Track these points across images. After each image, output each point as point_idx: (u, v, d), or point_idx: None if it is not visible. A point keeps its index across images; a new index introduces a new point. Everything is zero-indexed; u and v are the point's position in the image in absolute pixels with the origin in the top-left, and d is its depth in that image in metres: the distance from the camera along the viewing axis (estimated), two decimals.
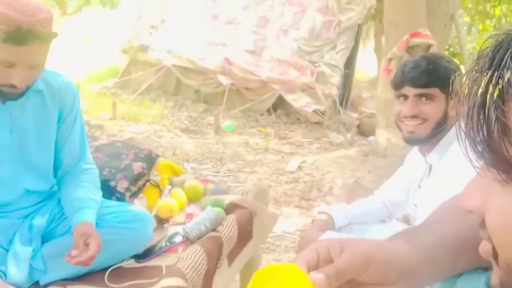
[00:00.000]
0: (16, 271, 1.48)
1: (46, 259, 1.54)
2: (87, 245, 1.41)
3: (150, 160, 2.09)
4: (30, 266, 1.51)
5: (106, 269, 1.60)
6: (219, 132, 5.22)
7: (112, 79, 7.29)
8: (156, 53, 6.91)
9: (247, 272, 2.16)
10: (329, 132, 5.85)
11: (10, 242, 1.55)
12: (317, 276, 0.52)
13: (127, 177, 1.94)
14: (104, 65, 8.58)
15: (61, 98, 1.61)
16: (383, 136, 4.45)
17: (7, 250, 1.53)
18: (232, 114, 6.06)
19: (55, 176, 1.73)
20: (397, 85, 1.49)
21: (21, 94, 1.45)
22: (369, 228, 1.79)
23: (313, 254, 0.56)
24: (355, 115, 6.81)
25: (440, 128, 1.46)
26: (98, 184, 1.71)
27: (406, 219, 1.87)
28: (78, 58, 9.03)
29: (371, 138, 5.45)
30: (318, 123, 6.11)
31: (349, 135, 5.53)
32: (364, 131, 5.93)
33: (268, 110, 6.38)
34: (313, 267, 0.55)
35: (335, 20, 6.93)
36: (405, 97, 1.48)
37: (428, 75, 1.42)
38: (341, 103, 6.86)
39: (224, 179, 3.85)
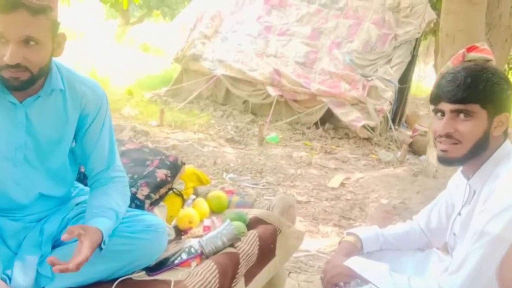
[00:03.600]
0: (22, 276, 1.43)
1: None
2: (81, 245, 1.32)
3: (176, 167, 2.02)
4: (37, 272, 1.46)
5: (115, 280, 1.52)
6: (263, 143, 5.13)
7: (164, 87, 7.40)
8: (208, 63, 6.95)
9: None
10: (378, 149, 5.61)
11: (20, 246, 1.51)
12: None
13: (148, 184, 1.87)
14: (159, 73, 8.76)
15: (85, 103, 1.55)
16: (435, 156, 4.18)
17: (15, 254, 1.49)
18: (278, 126, 5.96)
19: (85, 183, 1.68)
20: (433, 99, 1.32)
21: (26, 84, 1.37)
22: (402, 256, 1.62)
23: None
24: (409, 132, 6.51)
25: (479, 150, 1.28)
26: (127, 192, 1.64)
27: (447, 248, 1.68)
28: (136, 65, 9.27)
29: (423, 157, 5.16)
30: (367, 139, 5.88)
31: (399, 153, 5.27)
32: (416, 150, 5.64)
33: (316, 124, 6.22)
34: None
35: (391, 33, 6.70)
36: (442, 113, 1.31)
37: (466, 89, 1.24)
38: (393, 120, 6.60)
39: (262, 192, 3.74)
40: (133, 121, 5.47)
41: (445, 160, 1.32)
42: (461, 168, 1.43)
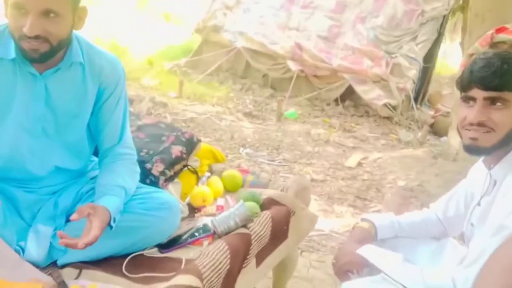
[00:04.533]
0: (35, 248, 1.45)
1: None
2: (90, 224, 1.33)
3: (191, 144, 2.00)
4: (50, 244, 1.48)
5: (127, 255, 1.53)
6: (281, 119, 5.08)
7: (184, 58, 7.35)
8: (228, 35, 6.87)
9: (280, 272, 2.03)
10: (398, 128, 5.52)
11: (34, 218, 1.53)
12: None
13: (163, 160, 1.86)
14: (180, 44, 8.70)
15: (104, 77, 1.54)
16: (456, 138, 4.08)
17: (30, 226, 1.51)
18: (297, 101, 5.89)
19: (96, 155, 1.69)
20: (464, 86, 1.25)
21: (44, 56, 1.36)
22: (417, 245, 1.59)
23: None
24: (431, 112, 6.38)
25: (510, 140, 1.22)
26: (135, 169, 1.63)
27: (463, 238, 1.64)
28: (156, 34, 9.21)
29: (444, 139, 5.07)
30: (388, 118, 5.78)
31: (420, 134, 5.17)
32: (438, 130, 5.53)
33: (336, 100, 6.13)
34: None
35: (418, 9, 6.49)
36: (473, 100, 1.24)
37: (502, 75, 1.18)
38: (416, 99, 6.46)
39: (278, 168, 3.72)
40: (152, 92, 5.47)
41: (474, 149, 1.27)
42: (483, 157, 1.38)
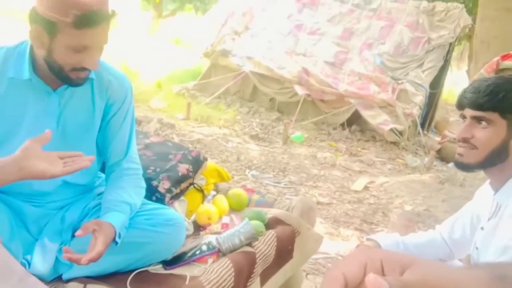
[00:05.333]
0: (41, 262, 1.46)
1: None
2: (95, 240, 1.33)
3: (198, 163, 2.02)
4: (56, 259, 1.48)
5: (132, 271, 1.54)
6: (288, 142, 5.10)
7: (193, 81, 7.44)
8: (237, 59, 6.95)
9: None
10: (405, 153, 5.51)
11: (41, 232, 1.54)
12: (380, 280, 0.44)
13: (170, 178, 1.88)
14: (188, 67, 8.81)
15: (111, 92, 1.57)
16: None
17: (36, 239, 1.52)
18: (304, 125, 5.91)
19: (102, 171, 1.71)
20: (457, 105, 1.34)
21: (85, 80, 1.43)
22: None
23: (355, 268, 0.47)
24: (438, 138, 6.37)
25: (496, 159, 1.26)
26: (141, 184, 1.65)
27: (469, 260, 1.63)
28: (166, 58, 9.34)
29: (451, 164, 5.04)
30: (394, 143, 5.78)
31: (426, 159, 5.16)
32: (445, 156, 5.51)
33: (342, 125, 6.15)
34: (352, 283, 0.46)
35: (424, 37, 6.56)
36: (465, 118, 1.32)
37: (485, 96, 1.25)
38: (422, 125, 6.47)
39: (284, 191, 3.71)
40: (160, 113, 5.52)
41: (459, 164, 1.34)
42: (489, 180, 1.39)
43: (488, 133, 1.25)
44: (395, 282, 0.44)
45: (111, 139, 1.61)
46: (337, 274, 0.46)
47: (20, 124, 1.45)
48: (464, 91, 1.32)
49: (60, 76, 1.39)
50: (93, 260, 1.30)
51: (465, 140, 1.29)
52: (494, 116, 1.24)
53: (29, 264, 1.45)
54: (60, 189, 1.59)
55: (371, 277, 0.44)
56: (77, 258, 1.30)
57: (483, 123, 1.26)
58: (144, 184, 1.66)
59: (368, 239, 1.61)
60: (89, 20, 1.28)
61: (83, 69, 1.37)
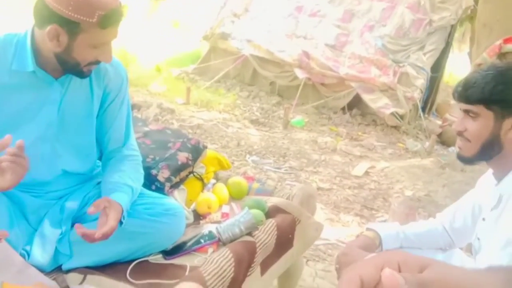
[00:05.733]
0: (41, 253, 1.46)
1: (73, 244, 1.50)
2: (105, 217, 1.36)
3: (197, 151, 2.01)
4: (56, 249, 1.48)
5: (132, 261, 1.54)
6: (288, 127, 5.07)
7: (192, 65, 7.38)
8: (236, 42, 6.88)
9: (285, 281, 2.01)
10: (406, 138, 5.49)
11: (40, 222, 1.53)
12: (397, 276, 0.44)
13: (169, 167, 1.87)
14: (187, 51, 8.73)
15: (108, 80, 1.58)
16: None
17: (36, 230, 1.51)
18: (304, 109, 5.88)
19: (100, 159, 1.70)
20: (453, 98, 1.34)
21: (91, 72, 1.46)
22: (423, 255, 1.57)
23: (372, 270, 0.47)
24: (439, 122, 6.35)
25: (489, 151, 1.27)
26: (140, 170, 1.66)
27: (470, 249, 1.63)
28: (165, 41, 9.26)
29: (452, 149, 5.03)
30: (395, 127, 5.75)
31: (427, 143, 5.14)
32: (445, 140, 5.49)
33: (343, 109, 6.11)
34: (368, 284, 0.46)
35: (426, 19, 6.47)
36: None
37: (468, 89, 1.25)
38: (423, 108, 6.43)
39: (284, 176, 3.71)
40: (160, 98, 5.48)
41: (460, 158, 1.36)
42: (491, 170, 1.38)
43: (477, 126, 1.25)
44: (411, 278, 0.44)
45: (108, 126, 1.62)
46: (354, 276, 0.46)
47: (23, 114, 1.44)
48: (456, 84, 1.31)
49: (74, 71, 1.41)
50: (106, 235, 1.33)
51: (459, 133, 1.30)
52: (480, 108, 1.24)
53: (29, 255, 1.45)
54: (59, 179, 1.58)
55: (386, 272, 0.44)
56: (91, 233, 1.33)
57: (472, 115, 1.26)
58: (142, 171, 1.67)
59: (368, 229, 1.60)
60: (113, 19, 1.32)
61: (97, 63, 1.41)
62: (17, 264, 1.37)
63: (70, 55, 1.35)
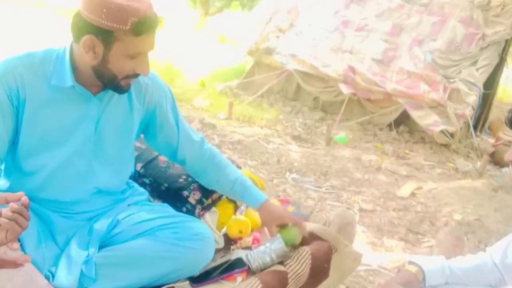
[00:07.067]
0: (66, 275, 1.43)
1: (99, 267, 1.46)
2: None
3: None
4: (81, 271, 1.45)
5: (158, 287, 1.48)
6: (331, 143, 4.94)
7: (236, 79, 7.40)
8: (280, 57, 6.84)
9: None
10: (456, 157, 5.23)
11: (68, 243, 1.51)
12: None
13: (201, 188, 1.82)
14: (232, 65, 8.79)
15: (149, 96, 1.57)
16: None
17: (62, 251, 1.49)
18: (348, 125, 5.73)
19: (173, 159, 1.72)
20: (505, 124, 1.24)
21: (130, 87, 1.45)
22: None
23: None
24: (492, 140, 6.03)
25: None
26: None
27: None
28: (211, 56, 9.37)
29: (505, 170, 4.74)
30: (445, 145, 5.50)
31: (479, 163, 4.87)
32: (499, 160, 5.18)
33: (390, 125, 5.91)
34: None
35: (479, 33, 6.20)
36: None
37: None
38: (475, 126, 6.13)
39: (325, 196, 3.59)
40: (202, 113, 5.50)
41: None
42: None
43: None
44: None
45: (176, 135, 1.65)
46: None
47: (60, 129, 1.44)
48: (509, 110, 1.21)
49: (111, 84, 1.39)
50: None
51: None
52: None
53: (53, 277, 1.42)
54: (91, 198, 1.57)
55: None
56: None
57: None
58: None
59: (410, 263, 1.48)
60: (147, 26, 1.30)
61: (135, 76, 1.39)
62: (41, 286, 1.35)
63: (107, 67, 1.34)
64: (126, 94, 1.50)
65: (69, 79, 1.38)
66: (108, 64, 1.34)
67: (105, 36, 1.29)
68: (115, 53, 1.32)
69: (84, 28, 1.29)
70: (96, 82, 1.40)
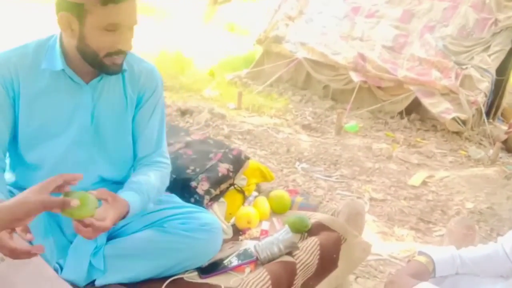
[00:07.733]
0: (74, 267, 1.44)
1: (107, 259, 1.47)
2: (105, 212, 1.28)
3: (239, 162, 1.94)
4: (90, 263, 1.46)
5: (166, 278, 1.48)
6: (341, 132, 4.90)
7: (246, 69, 7.35)
8: (290, 45, 6.78)
9: None
10: (468, 144, 5.16)
11: (75, 235, 1.51)
12: None
13: (209, 179, 1.81)
14: (242, 54, 8.74)
15: (142, 84, 1.55)
16: None
17: (70, 243, 1.50)
18: (359, 114, 5.68)
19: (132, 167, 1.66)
20: None
21: (120, 68, 1.41)
22: (482, 283, 1.42)
23: None
24: (505, 127, 5.94)
25: None
26: (166, 182, 1.61)
27: None
28: (220, 45, 9.33)
29: None
30: (457, 133, 5.43)
31: (491, 151, 4.81)
32: (511, 147, 5.12)
33: (401, 113, 5.85)
34: None
35: (491, 18, 6.08)
36: None
37: None
38: (488, 113, 6.04)
39: (335, 185, 3.56)
40: (212, 103, 5.48)
41: None
42: None
43: None
44: None
45: (140, 132, 1.57)
46: None
47: (57, 119, 1.44)
48: None
49: (95, 63, 1.37)
50: (98, 231, 1.24)
51: None
52: None
53: (61, 269, 1.43)
54: (96, 186, 1.56)
55: None
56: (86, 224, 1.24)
57: None
58: (168, 183, 1.62)
59: (420, 253, 1.46)
60: None
61: (118, 53, 1.35)
62: (49, 278, 1.36)
63: (86, 43, 1.32)
64: (120, 83, 1.49)
65: (59, 63, 1.37)
66: (86, 40, 1.31)
67: (76, 9, 1.27)
68: (90, 27, 1.29)
69: (58, 5, 1.29)
70: (87, 68, 1.38)
